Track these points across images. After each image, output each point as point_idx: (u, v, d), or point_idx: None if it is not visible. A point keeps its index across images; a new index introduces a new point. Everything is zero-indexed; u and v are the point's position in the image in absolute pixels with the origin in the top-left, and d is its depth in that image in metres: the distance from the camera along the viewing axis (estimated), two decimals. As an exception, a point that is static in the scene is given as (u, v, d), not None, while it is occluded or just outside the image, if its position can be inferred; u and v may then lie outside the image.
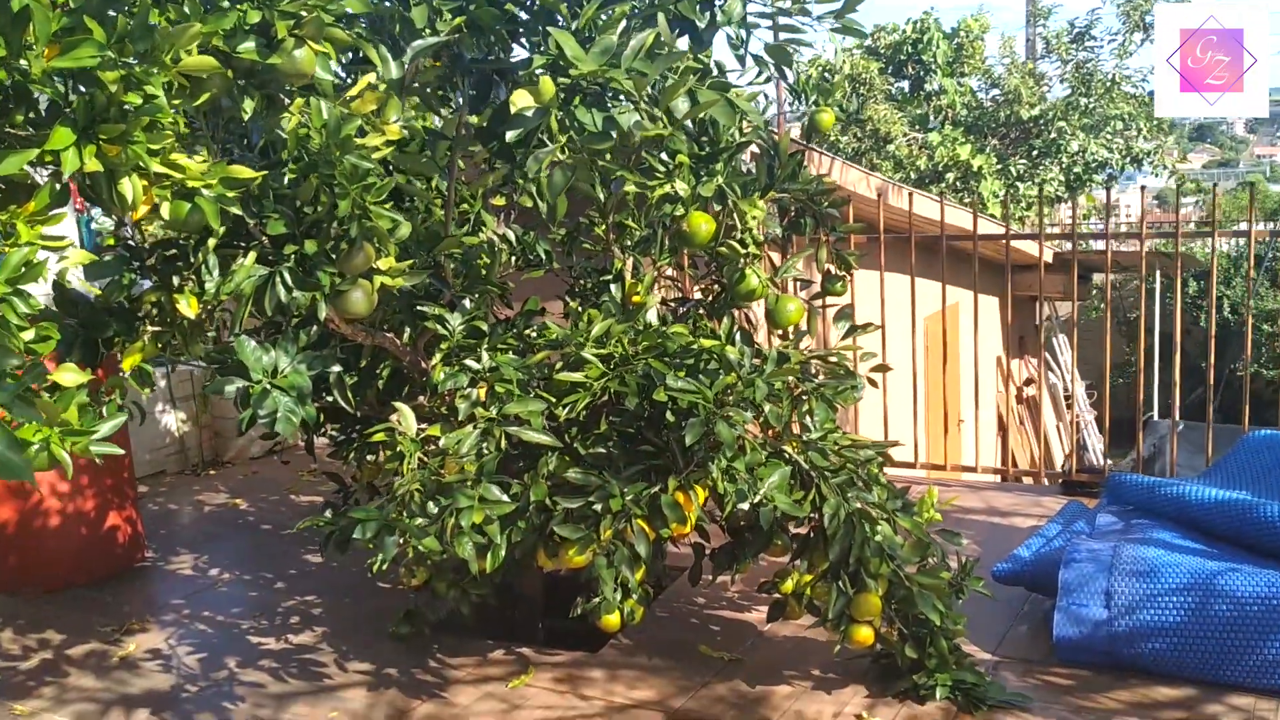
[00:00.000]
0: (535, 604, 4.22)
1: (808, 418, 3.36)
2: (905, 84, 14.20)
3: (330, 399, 3.58)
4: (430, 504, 2.83)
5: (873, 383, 3.43)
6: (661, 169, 3.03)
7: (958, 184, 12.15)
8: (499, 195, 4.44)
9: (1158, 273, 10.87)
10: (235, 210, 2.32)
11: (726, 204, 3.08)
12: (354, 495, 4.10)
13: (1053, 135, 12.32)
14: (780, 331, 3.36)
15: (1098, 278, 12.93)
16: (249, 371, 2.68)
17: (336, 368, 2.81)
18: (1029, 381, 12.14)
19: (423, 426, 2.98)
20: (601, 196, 3.74)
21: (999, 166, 12.29)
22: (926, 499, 3.56)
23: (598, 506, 3.02)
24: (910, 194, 6.07)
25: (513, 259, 4.03)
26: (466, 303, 3.08)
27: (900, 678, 3.40)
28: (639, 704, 3.46)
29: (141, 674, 3.87)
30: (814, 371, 3.49)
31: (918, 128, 13.78)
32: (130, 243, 2.73)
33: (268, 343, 2.74)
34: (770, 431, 3.34)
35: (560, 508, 3.16)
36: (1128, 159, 12.77)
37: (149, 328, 2.79)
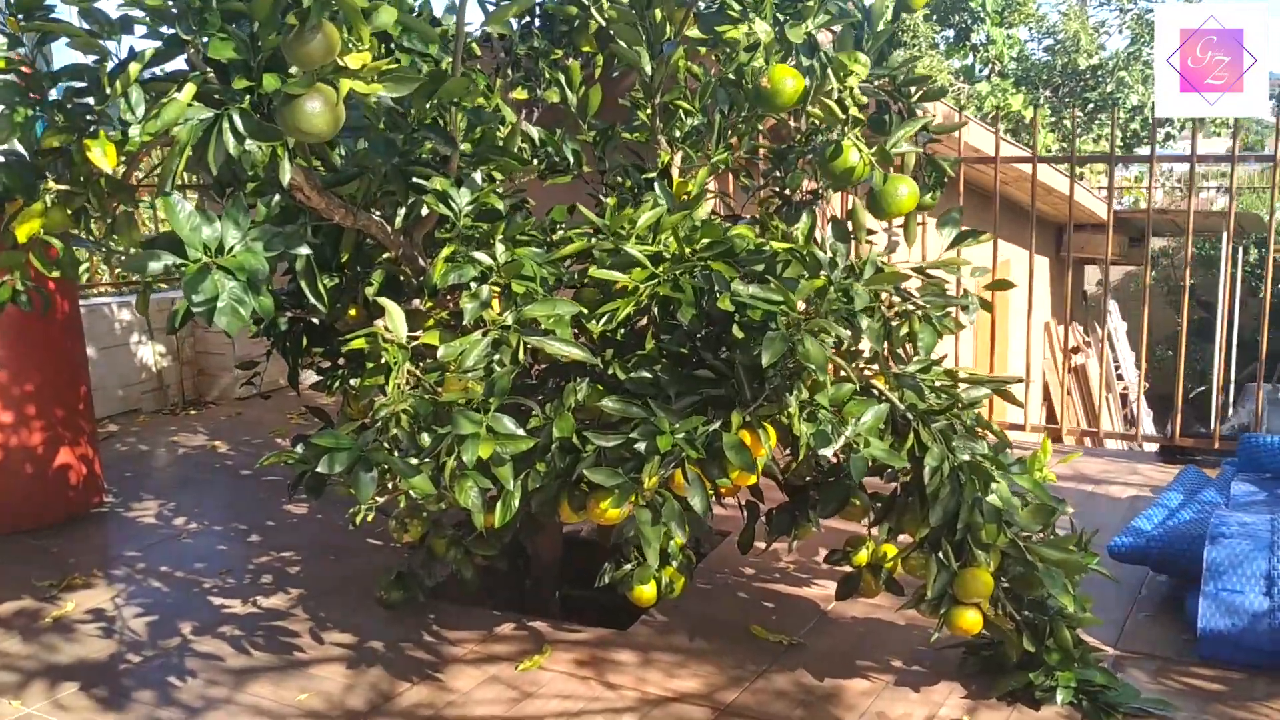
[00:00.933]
0: (551, 569, 3.55)
1: (902, 345, 2.66)
2: (950, 33, 13.36)
3: (301, 309, 2.91)
4: (423, 434, 2.14)
5: (986, 305, 2.72)
6: (736, 6, 2.31)
7: (1008, 136, 11.36)
8: (520, 88, 3.74)
9: (1224, 238, 10.09)
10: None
11: (817, 56, 2.37)
12: (338, 433, 3.41)
13: (1110, 88, 11.48)
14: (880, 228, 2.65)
15: (1155, 243, 12.19)
16: (183, 246, 1.99)
17: (304, 250, 2.11)
18: (1075, 349, 11.41)
19: (417, 335, 2.29)
20: (648, 69, 3.04)
21: (1052, 119, 11.47)
22: (1039, 454, 2.86)
23: (641, 446, 2.33)
24: (996, 125, 5.33)
25: (535, 162, 3.33)
26: (477, 177, 2.38)
27: (1008, 675, 2.72)
28: (680, 696, 2.78)
29: (76, 638, 3.21)
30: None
31: (962, 79, 12.95)
32: (26, 68, 2.03)
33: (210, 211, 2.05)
34: (857, 360, 2.64)
35: (591, 447, 2.48)
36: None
37: (53, 186, 2.10)
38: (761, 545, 3.24)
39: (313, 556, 3.83)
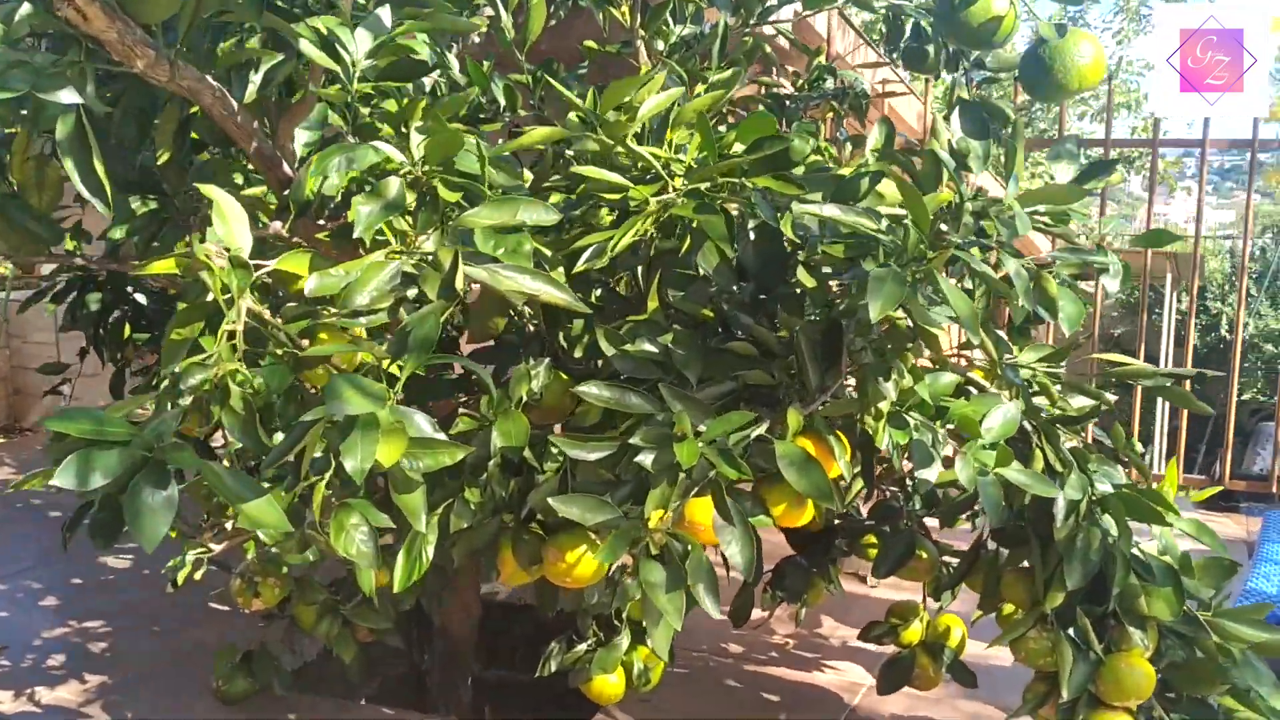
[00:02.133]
0: (463, 643, 2.57)
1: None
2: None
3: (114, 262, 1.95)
4: (271, 423, 1.19)
5: (1128, 270, 1.88)
6: None
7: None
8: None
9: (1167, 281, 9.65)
10: None
11: None
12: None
13: (1027, 124, 11.05)
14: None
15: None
16: None
17: (69, 96, 1.16)
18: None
19: (268, 263, 1.33)
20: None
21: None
22: (1164, 486, 2.02)
23: (647, 458, 1.41)
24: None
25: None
26: (384, 15, 1.44)
27: (1153, 811, 1.85)
28: None
29: None
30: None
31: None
32: None
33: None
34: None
35: (553, 466, 1.57)
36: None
37: None
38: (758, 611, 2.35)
39: (129, 629, 2.78)
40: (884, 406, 1.51)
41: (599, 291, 1.75)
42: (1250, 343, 10.90)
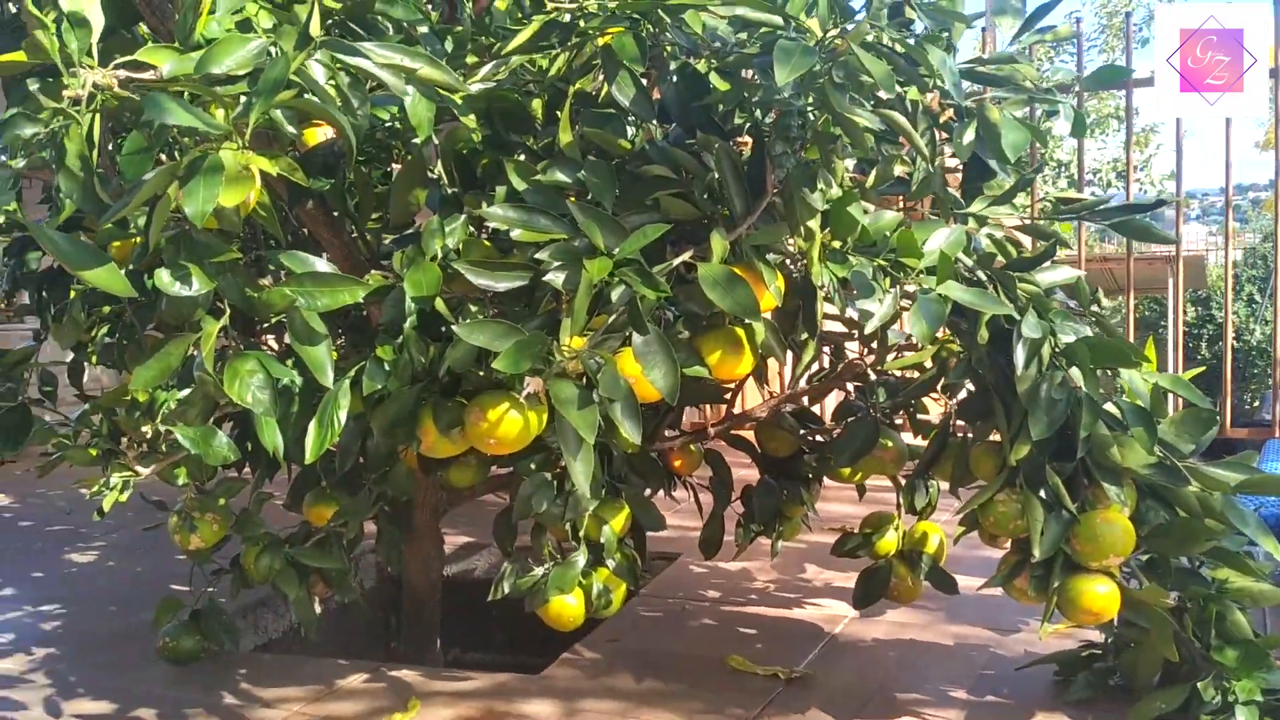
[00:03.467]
0: (428, 603, 2.44)
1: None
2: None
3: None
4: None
5: (1081, 124, 1.77)
6: None
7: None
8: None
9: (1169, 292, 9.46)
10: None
11: None
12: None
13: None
14: None
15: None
16: None
17: None
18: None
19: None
20: None
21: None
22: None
23: (558, 276, 1.32)
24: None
25: None
26: None
27: (1150, 695, 1.69)
28: (627, 760, 1.70)
29: None
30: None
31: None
32: None
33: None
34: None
35: (468, 324, 1.48)
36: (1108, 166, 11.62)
37: None
38: (730, 566, 2.22)
39: (86, 610, 2.66)
40: (814, 226, 1.41)
41: (522, 155, 1.67)
42: (1259, 348, 10.69)
